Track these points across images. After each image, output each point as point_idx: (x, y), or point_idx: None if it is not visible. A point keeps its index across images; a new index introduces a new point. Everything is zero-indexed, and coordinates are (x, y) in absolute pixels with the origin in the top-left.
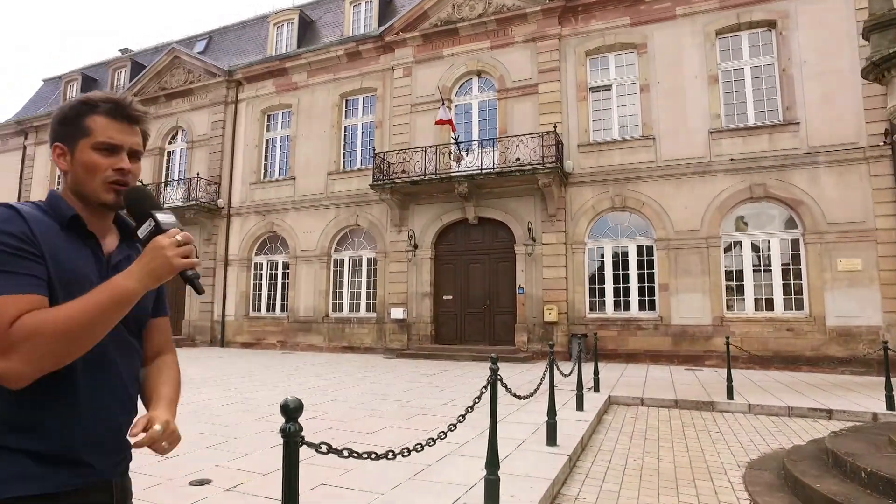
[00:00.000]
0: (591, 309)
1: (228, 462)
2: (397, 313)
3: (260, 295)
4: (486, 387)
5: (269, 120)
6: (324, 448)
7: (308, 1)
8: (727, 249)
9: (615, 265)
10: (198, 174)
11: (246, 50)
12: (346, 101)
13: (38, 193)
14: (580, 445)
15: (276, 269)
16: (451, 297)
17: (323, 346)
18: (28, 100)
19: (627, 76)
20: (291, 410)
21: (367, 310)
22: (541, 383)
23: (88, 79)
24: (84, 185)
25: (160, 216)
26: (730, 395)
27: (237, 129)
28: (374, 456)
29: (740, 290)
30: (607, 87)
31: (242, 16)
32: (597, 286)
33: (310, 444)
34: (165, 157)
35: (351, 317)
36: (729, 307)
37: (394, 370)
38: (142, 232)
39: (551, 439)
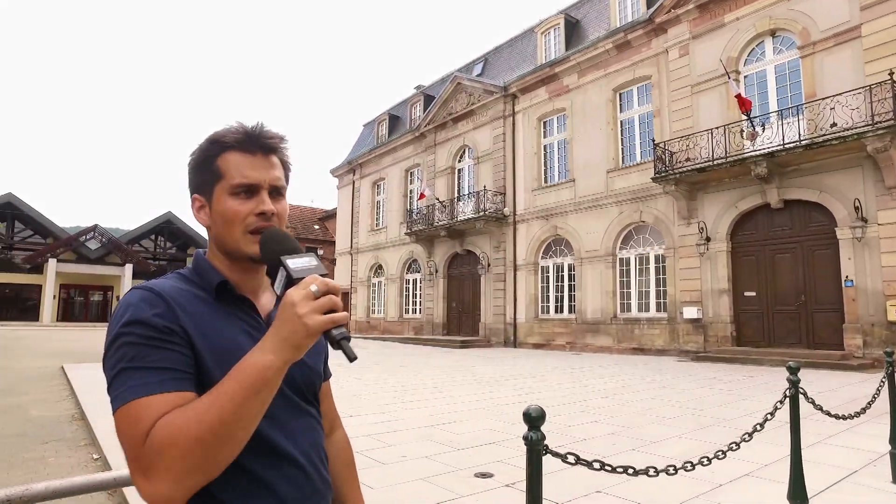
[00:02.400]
0: None
1: (511, 459)
2: (690, 313)
3: (547, 297)
4: (781, 400)
5: (544, 126)
6: (571, 459)
7: (572, 2)
8: None
9: None
10: (484, 187)
11: (518, 63)
12: (620, 94)
13: (365, 219)
14: None
15: (562, 271)
16: (753, 294)
17: (612, 348)
18: (354, 143)
19: None
20: (534, 419)
21: (657, 309)
22: (874, 399)
23: (393, 117)
24: (225, 238)
25: (292, 262)
26: None
27: (516, 139)
28: (630, 471)
29: None
30: None
31: (512, 32)
32: None
33: (554, 454)
34: (456, 175)
35: (640, 317)
36: None
37: (688, 374)
38: (277, 287)
39: None
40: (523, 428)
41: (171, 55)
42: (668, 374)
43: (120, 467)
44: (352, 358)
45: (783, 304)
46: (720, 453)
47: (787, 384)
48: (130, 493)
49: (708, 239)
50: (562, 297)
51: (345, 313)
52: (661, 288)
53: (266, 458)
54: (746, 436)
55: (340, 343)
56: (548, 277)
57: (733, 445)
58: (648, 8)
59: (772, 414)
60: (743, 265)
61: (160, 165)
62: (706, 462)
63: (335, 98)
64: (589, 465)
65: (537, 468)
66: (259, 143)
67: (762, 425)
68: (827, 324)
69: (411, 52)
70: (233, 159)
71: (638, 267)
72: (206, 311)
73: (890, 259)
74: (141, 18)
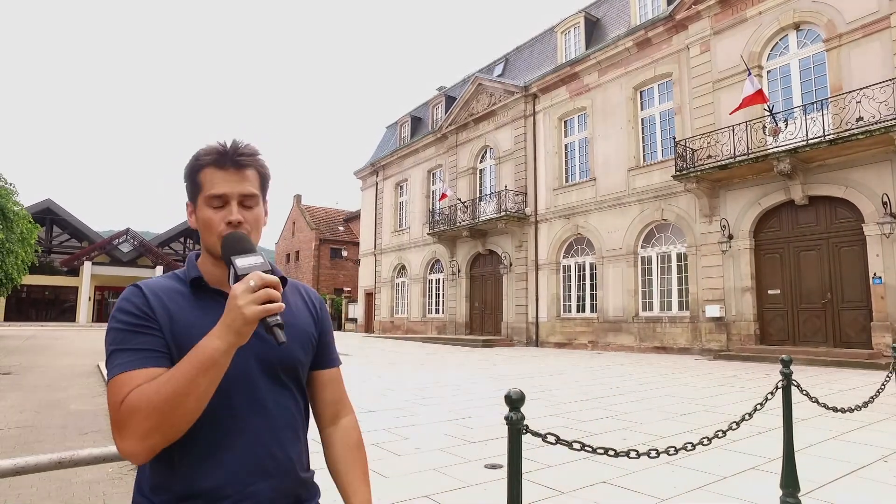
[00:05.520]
0: None
1: (522, 452)
2: (713, 311)
3: (569, 296)
4: (771, 392)
5: (565, 126)
6: (551, 438)
7: (592, 1)
8: None
9: None
10: (506, 187)
11: (539, 63)
12: (640, 92)
13: (388, 220)
14: None
15: (584, 271)
16: (778, 292)
17: (634, 347)
18: (377, 145)
19: None
20: (515, 401)
21: (680, 308)
22: (878, 393)
23: (415, 118)
24: (206, 241)
25: (239, 261)
26: None
27: (537, 139)
28: (611, 452)
29: None
30: None
31: (532, 32)
32: None
33: (534, 433)
34: (477, 176)
35: (662, 316)
36: None
37: (708, 373)
38: (231, 282)
39: None
40: (536, 423)
41: (195, 59)
42: (688, 372)
43: None
44: (279, 342)
45: (808, 301)
46: (705, 440)
47: (817, 384)
48: None
49: (730, 237)
50: (583, 296)
51: (279, 304)
52: (684, 286)
53: (222, 431)
54: (734, 424)
55: (272, 329)
56: (569, 277)
57: (719, 433)
58: (669, 5)
59: (761, 405)
60: (766, 263)
61: None
62: (690, 447)
63: (359, 100)
64: (569, 445)
65: (517, 446)
66: (231, 160)
67: (751, 415)
68: (854, 322)
69: (434, 54)
70: (208, 174)
71: (660, 265)
72: (183, 303)
73: None
74: (168, 26)
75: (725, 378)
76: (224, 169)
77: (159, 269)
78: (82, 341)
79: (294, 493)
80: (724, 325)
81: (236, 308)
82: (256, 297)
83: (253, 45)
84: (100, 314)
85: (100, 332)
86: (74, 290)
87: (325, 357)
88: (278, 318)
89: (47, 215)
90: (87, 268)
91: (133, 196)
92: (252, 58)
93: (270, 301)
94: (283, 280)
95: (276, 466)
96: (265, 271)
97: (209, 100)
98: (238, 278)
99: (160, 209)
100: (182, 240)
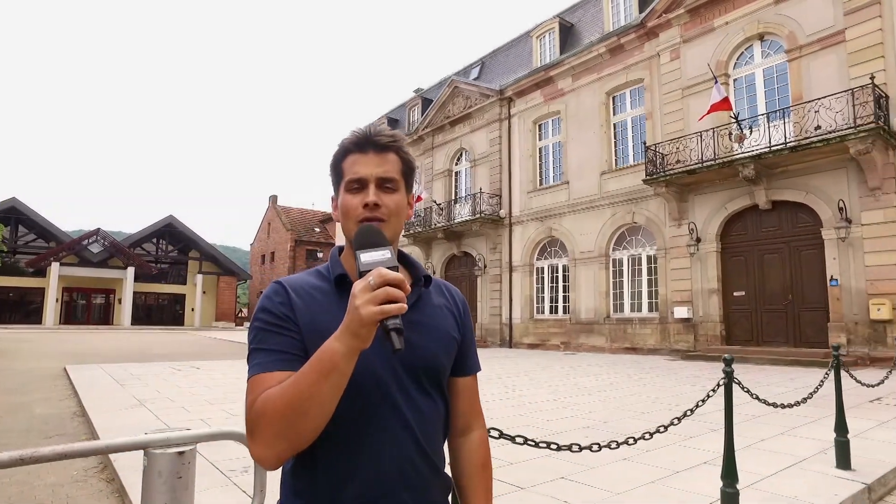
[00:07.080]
0: None
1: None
2: (681, 312)
3: (542, 298)
4: (714, 389)
5: (539, 129)
6: (494, 433)
7: (566, 7)
8: None
9: None
10: (480, 189)
11: (514, 67)
12: (613, 98)
13: None
14: (893, 475)
15: (557, 272)
16: (742, 293)
17: (605, 347)
18: None
19: None
20: None
21: (650, 309)
22: (816, 390)
23: (392, 120)
24: (345, 230)
25: (363, 256)
26: None
27: (512, 142)
28: (573, 448)
29: None
30: None
31: (509, 36)
32: None
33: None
34: (453, 178)
35: (633, 317)
36: None
37: (675, 372)
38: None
39: (842, 461)
40: (504, 423)
41: (171, 57)
42: (655, 372)
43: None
44: (395, 349)
45: (771, 303)
46: (647, 434)
47: (777, 381)
48: (117, 459)
49: (698, 240)
50: (556, 297)
51: (399, 305)
52: (653, 288)
53: (365, 437)
54: (676, 420)
55: (389, 333)
56: (543, 278)
57: (661, 428)
58: (641, 12)
59: (703, 401)
60: (732, 265)
61: (162, 169)
62: (632, 441)
63: (335, 102)
64: (512, 439)
65: None
66: (370, 142)
67: (692, 411)
68: (813, 323)
69: (411, 56)
70: (350, 160)
71: (631, 268)
72: (325, 302)
73: (873, 259)
74: (143, 21)
75: (690, 377)
76: (365, 152)
77: (130, 271)
78: (49, 344)
79: None
80: (692, 325)
81: (353, 308)
82: (374, 296)
83: (227, 42)
84: (67, 316)
85: (68, 333)
86: (41, 292)
87: (463, 363)
88: (398, 321)
89: (12, 215)
90: (54, 269)
91: (104, 195)
92: (226, 55)
93: (390, 301)
94: (427, 279)
95: (419, 476)
96: (389, 268)
97: (182, 96)
98: (362, 275)
99: (132, 209)
100: (155, 240)
